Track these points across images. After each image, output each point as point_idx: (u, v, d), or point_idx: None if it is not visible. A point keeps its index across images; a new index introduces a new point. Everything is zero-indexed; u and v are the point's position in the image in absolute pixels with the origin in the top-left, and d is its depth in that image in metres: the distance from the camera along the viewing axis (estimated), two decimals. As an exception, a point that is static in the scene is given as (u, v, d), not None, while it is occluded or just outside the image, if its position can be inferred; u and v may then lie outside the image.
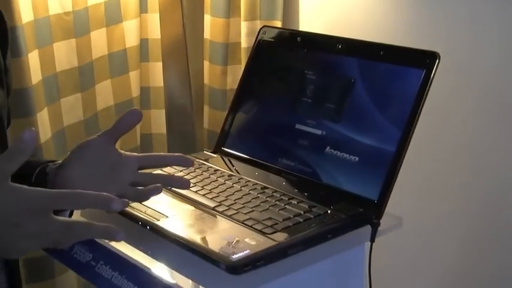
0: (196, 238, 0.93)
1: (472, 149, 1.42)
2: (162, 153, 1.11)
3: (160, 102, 1.78)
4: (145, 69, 1.76)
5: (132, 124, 0.99)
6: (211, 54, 1.77)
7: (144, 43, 1.74)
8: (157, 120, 1.79)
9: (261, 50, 1.25)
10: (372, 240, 0.99)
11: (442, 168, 1.47)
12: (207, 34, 1.74)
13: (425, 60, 1.03)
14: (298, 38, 1.21)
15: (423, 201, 1.48)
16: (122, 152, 1.00)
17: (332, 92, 1.12)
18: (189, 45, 1.63)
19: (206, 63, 1.77)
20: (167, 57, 1.66)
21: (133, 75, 1.72)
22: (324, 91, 1.14)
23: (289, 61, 1.22)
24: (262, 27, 1.27)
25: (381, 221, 1.01)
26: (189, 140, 1.71)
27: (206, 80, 1.78)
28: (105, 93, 1.67)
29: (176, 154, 1.03)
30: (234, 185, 1.09)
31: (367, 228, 1.00)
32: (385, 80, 1.08)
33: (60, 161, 1.01)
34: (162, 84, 1.75)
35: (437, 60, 1.02)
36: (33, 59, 1.43)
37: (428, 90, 1.02)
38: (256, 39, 1.26)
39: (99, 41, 1.62)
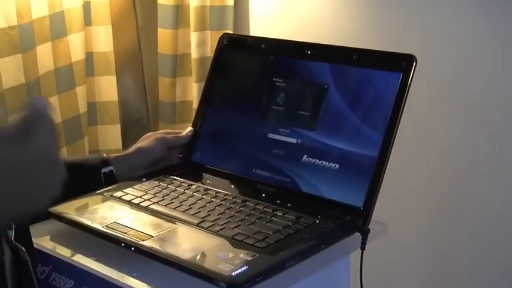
0: (189, 256, 0.89)
1: (454, 153, 1.43)
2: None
3: (107, 118, 1.72)
4: (91, 84, 1.70)
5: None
6: (160, 66, 1.73)
7: (89, 57, 1.68)
8: (106, 136, 1.74)
9: (223, 59, 1.22)
10: (362, 248, 0.97)
11: (423, 173, 1.48)
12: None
13: (401, 63, 1.02)
14: (263, 45, 1.19)
15: (403, 206, 1.48)
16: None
17: (305, 99, 1.11)
18: (144, 58, 1.58)
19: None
20: (121, 71, 1.60)
21: (80, 91, 1.66)
22: (295, 98, 1.12)
23: (255, 68, 1.20)
24: (223, 34, 1.24)
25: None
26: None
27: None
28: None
29: None
30: (212, 199, 1.06)
31: (355, 237, 0.98)
32: (360, 84, 1.07)
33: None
34: (110, 99, 1.69)
35: (414, 63, 1.02)
36: (-21, 77, 1.36)
37: (408, 92, 1.01)
38: (216, 48, 1.23)
39: (45, 56, 1.56)
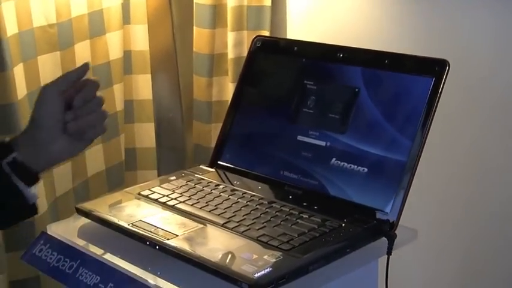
0: (212, 256, 0.89)
1: (484, 158, 1.41)
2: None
3: (144, 116, 1.73)
4: (128, 82, 1.72)
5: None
6: (196, 66, 1.73)
7: (127, 55, 1.70)
8: (142, 134, 1.75)
9: (255, 60, 1.22)
10: (389, 253, 0.96)
11: (453, 178, 1.45)
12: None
13: (434, 68, 1.01)
14: (295, 48, 1.18)
15: (432, 212, 1.46)
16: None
17: (335, 102, 1.10)
18: (179, 58, 1.59)
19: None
20: (156, 70, 1.61)
21: (117, 88, 1.67)
22: (326, 101, 1.11)
23: (286, 71, 1.19)
24: (256, 36, 1.24)
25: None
26: (179, 154, 1.67)
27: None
28: (89, 108, 1.61)
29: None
30: (239, 200, 1.06)
31: (382, 242, 0.97)
32: (392, 88, 1.06)
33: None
34: (146, 97, 1.71)
35: (447, 68, 1.00)
36: (18, 73, 1.38)
37: (439, 98, 1.00)
38: (249, 49, 1.23)
39: (83, 54, 1.58)
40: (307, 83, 1.14)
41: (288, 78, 1.18)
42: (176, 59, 1.57)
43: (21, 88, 1.39)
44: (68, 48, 1.53)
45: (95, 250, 0.99)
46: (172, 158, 1.66)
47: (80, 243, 1.01)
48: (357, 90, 1.08)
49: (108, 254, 0.98)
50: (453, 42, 1.40)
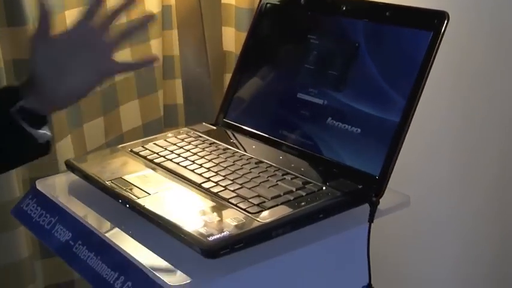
0: (174, 218, 0.86)
1: (484, 119, 1.29)
2: None
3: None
4: (168, 37, 1.69)
5: None
6: (237, 21, 1.69)
7: (167, 10, 1.67)
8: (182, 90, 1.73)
9: (264, 14, 1.17)
10: (371, 220, 0.90)
11: (452, 142, 1.35)
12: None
13: (433, 21, 0.93)
14: (302, 0, 1.12)
15: (432, 179, 1.36)
16: None
17: (335, 58, 1.04)
18: (205, 11, 1.55)
19: (230, 30, 1.70)
20: (182, 24, 1.58)
21: (155, 44, 1.65)
22: (326, 57, 1.05)
23: (292, 25, 1.13)
24: (266, -10, 1.19)
25: (387, 199, 0.92)
26: (206, 108, 1.64)
27: (230, 47, 1.70)
28: (123, 64, 1.60)
29: None
30: (227, 159, 1.02)
31: (367, 208, 0.91)
32: (390, 43, 0.98)
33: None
34: (184, 53, 1.68)
35: (446, 21, 0.92)
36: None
37: (436, 54, 0.92)
38: (259, 3, 1.18)
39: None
40: (310, 38, 1.08)
41: (294, 33, 1.13)
42: (201, 12, 1.53)
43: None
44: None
45: (77, 206, 0.98)
46: (199, 113, 1.64)
47: (64, 199, 1.01)
48: (356, 45, 1.01)
49: (89, 210, 0.98)
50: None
